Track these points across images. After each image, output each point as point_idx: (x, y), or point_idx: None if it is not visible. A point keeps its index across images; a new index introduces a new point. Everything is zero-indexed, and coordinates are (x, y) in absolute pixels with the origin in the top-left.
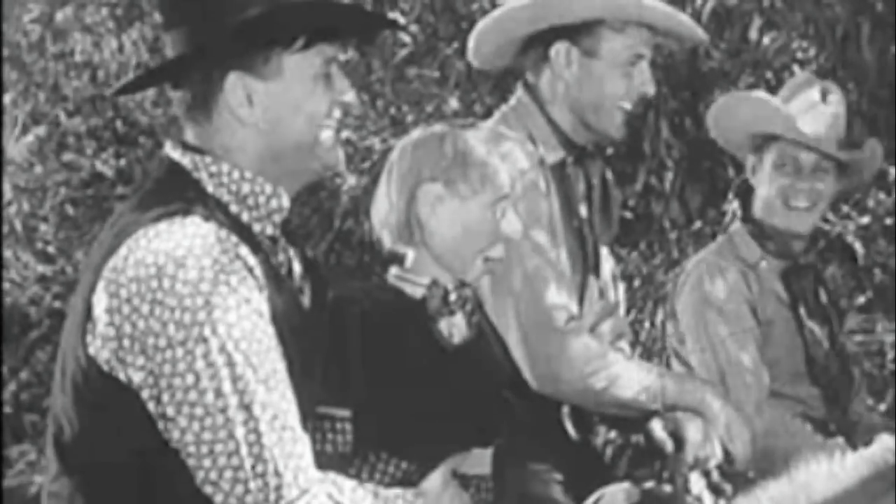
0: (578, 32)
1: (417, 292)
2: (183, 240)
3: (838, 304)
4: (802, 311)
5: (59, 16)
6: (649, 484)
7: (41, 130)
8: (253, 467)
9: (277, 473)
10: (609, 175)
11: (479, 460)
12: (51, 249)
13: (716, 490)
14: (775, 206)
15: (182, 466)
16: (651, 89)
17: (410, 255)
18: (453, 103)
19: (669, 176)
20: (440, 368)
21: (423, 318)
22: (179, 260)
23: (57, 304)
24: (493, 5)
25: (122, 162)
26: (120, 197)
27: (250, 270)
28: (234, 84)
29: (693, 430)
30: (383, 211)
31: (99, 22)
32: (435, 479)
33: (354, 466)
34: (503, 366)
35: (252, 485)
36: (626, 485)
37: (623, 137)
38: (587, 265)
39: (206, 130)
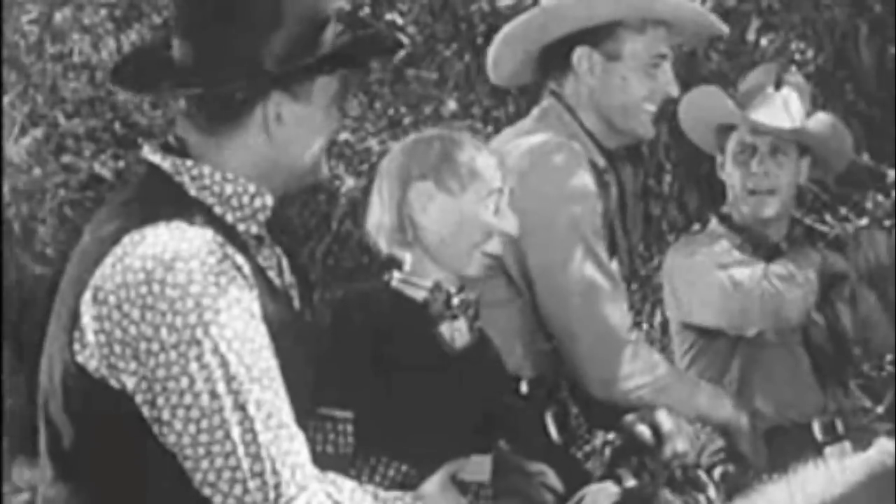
0: (598, 36)
1: (420, 295)
2: (170, 243)
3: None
4: None
5: (58, 17)
6: (630, 483)
7: (39, 132)
8: (251, 467)
9: (275, 472)
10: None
11: (479, 467)
12: (49, 251)
13: (694, 485)
14: (738, 194)
15: (179, 469)
16: (675, 90)
17: (408, 258)
18: (451, 105)
19: (668, 178)
20: (441, 372)
21: (425, 321)
22: (168, 263)
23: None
24: (492, 7)
25: (121, 164)
26: None
27: (239, 270)
28: (275, 102)
29: (668, 425)
30: (377, 215)
31: (97, 23)
32: (434, 483)
33: (355, 468)
34: (504, 371)
35: (251, 484)
36: (607, 484)
37: (652, 136)
38: (621, 272)
39: (218, 141)
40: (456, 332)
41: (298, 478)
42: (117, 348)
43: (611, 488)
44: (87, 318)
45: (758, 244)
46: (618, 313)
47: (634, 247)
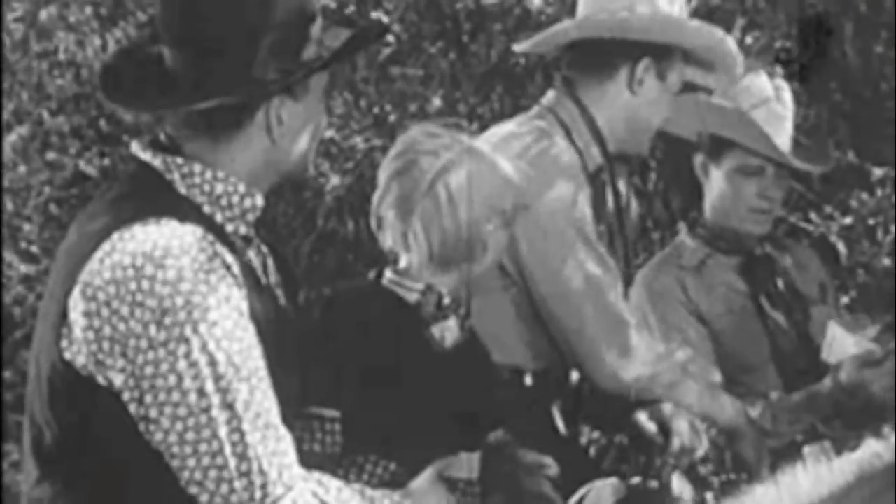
0: (657, 53)
1: (412, 297)
2: (160, 240)
3: (800, 293)
4: (764, 301)
5: (43, 14)
6: (636, 480)
7: (25, 129)
8: (237, 466)
9: (262, 472)
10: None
11: (467, 464)
12: (34, 249)
13: (703, 483)
14: (736, 209)
15: (165, 468)
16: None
17: (405, 257)
18: (437, 102)
19: (652, 176)
20: (431, 371)
21: (416, 322)
22: (158, 260)
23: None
24: (478, 5)
25: (106, 161)
26: None
27: (228, 268)
28: (276, 106)
29: (678, 421)
30: (437, 237)
31: (83, 21)
32: (422, 481)
33: (342, 467)
34: (495, 368)
35: (237, 484)
36: (612, 480)
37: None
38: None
39: (215, 143)
40: (446, 332)
41: (285, 478)
42: (105, 345)
43: (616, 484)
44: (75, 315)
45: (730, 246)
46: (617, 297)
47: (631, 249)
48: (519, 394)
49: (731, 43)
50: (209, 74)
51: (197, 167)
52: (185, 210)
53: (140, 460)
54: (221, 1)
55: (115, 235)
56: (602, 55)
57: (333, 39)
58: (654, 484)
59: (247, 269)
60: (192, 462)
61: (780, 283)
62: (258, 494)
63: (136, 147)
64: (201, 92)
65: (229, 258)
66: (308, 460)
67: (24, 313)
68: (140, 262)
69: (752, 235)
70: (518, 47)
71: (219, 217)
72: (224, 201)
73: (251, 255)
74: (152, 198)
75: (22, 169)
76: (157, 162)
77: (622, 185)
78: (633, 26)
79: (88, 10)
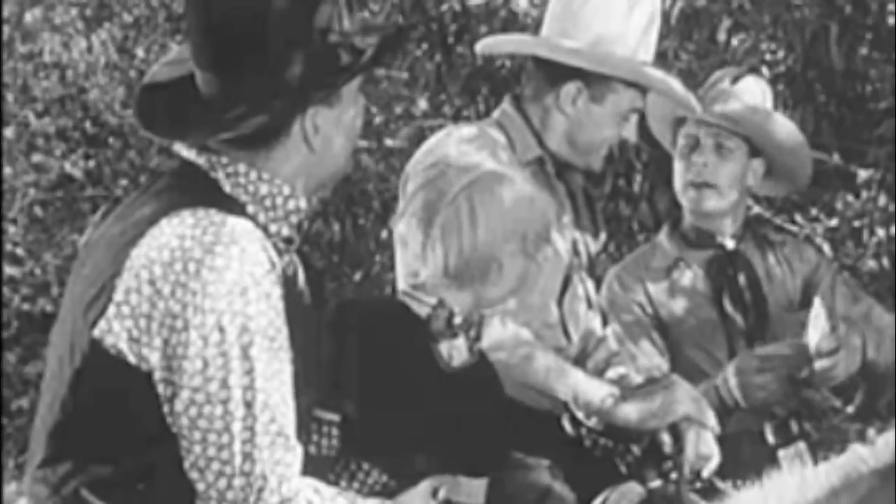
0: (592, 76)
1: (423, 311)
2: (210, 227)
3: (763, 295)
4: (727, 301)
5: (29, 16)
6: (655, 483)
7: (10, 131)
8: (241, 464)
9: (263, 476)
10: (590, 189)
11: (467, 490)
12: (19, 251)
13: (716, 492)
14: (679, 187)
15: (178, 454)
16: (633, 137)
17: (423, 271)
18: (422, 104)
19: (638, 178)
20: (435, 390)
21: (425, 336)
22: (207, 246)
23: (26, 306)
24: (464, 7)
25: (92, 163)
26: (89, 198)
27: (273, 265)
28: (311, 115)
29: (689, 431)
30: (453, 249)
31: (68, 22)
32: (414, 496)
33: (334, 472)
34: (502, 394)
35: (236, 481)
36: (632, 484)
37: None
38: (573, 264)
39: (255, 155)
40: (454, 351)
41: (284, 489)
42: (142, 322)
43: (635, 488)
44: (118, 295)
45: (698, 240)
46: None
47: (593, 247)
48: (527, 414)
49: (680, 91)
50: (240, 96)
51: (241, 167)
52: (231, 207)
53: (159, 443)
54: (245, 22)
55: (164, 221)
56: (547, 73)
57: (362, 43)
58: (672, 489)
59: (285, 271)
60: (198, 448)
61: (743, 281)
62: (252, 498)
63: (179, 146)
64: (234, 116)
65: (274, 256)
66: (303, 461)
67: (9, 315)
68: (188, 245)
69: (703, 214)
70: (479, 46)
71: (262, 218)
72: (268, 202)
73: (287, 260)
74: (198, 191)
75: (7, 171)
76: (201, 160)
77: (576, 186)
78: (579, 55)
79: (73, 11)
